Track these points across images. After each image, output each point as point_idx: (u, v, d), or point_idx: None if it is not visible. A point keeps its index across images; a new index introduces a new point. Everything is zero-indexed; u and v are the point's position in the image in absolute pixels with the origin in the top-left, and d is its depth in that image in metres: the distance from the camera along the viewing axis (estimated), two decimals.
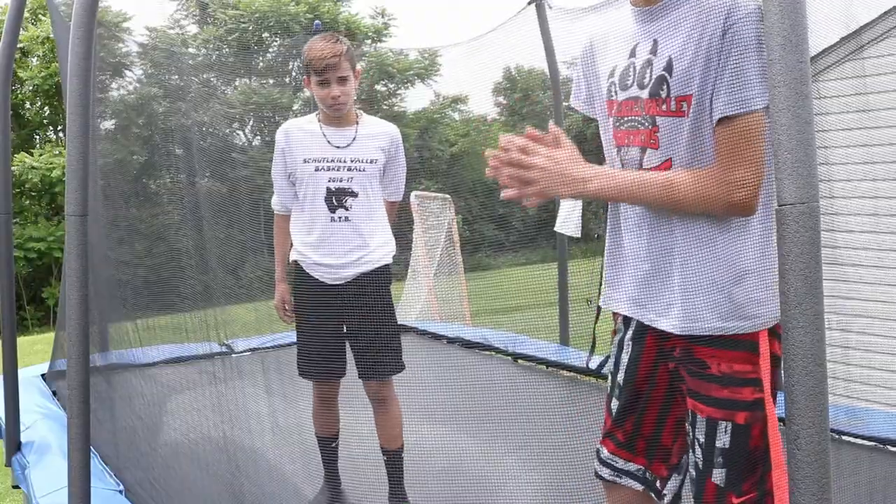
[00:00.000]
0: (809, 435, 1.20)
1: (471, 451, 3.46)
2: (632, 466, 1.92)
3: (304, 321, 2.96)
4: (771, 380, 1.68)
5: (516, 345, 5.31)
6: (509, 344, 5.33)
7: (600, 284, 2.28)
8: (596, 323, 2.33)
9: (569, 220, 4.52)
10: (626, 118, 1.79)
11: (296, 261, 2.97)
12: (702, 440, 1.71)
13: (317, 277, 2.91)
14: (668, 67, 1.69)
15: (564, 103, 5.68)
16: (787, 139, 1.21)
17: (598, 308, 2.28)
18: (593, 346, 2.36)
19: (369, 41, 18.83)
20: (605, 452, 1.96)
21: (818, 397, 1.20)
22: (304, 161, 2.89)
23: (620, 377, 1.94)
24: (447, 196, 10.12)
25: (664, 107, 1.70)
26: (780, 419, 3.70)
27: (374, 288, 2.95)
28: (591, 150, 2.11)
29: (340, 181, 2.87)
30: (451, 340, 5.71)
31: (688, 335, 1.72)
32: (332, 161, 2.88)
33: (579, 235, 4.45)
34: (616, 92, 1.82)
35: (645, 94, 1.74)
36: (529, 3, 5.31)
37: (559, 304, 5.51)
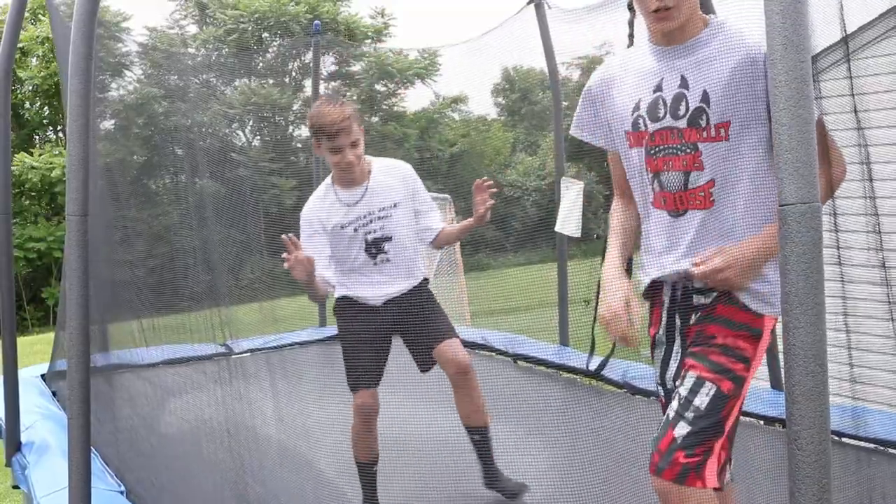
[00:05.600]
0: (810, 435, 1.20)
1: (471, 451, 3.46)
2: None
3: (352, 338, 3.17)
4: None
5: (516, 345, 5.30)
6: (509, 345, 5.32)
7: (599, 289, 2.31)
8: (595, 324, 2.34)
9: (569, 220, 4.53)
10: (660, 146, 1.96)
11: (347, 296, 3.21)
12: (683, 394, 1.87)
13: (362, 302, 3.18)
14: (705, 99, 1.89)
15: (564, 102, 5.68)
16: (787, 139, 1.22)
17: (597, 309, 2.31)
18: (592, 348, 2.38)
19: (369, 41, 18.81)
20: None
21: (818, 397, 1.20)
22: (342, 227, 3.12)
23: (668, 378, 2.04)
24: (447, 196, 10.11)
25: (705, 133, 1.90)
26: (778, 419, 3.68)
27: (417, 294, 3.23)
28: (593, 150, 2.17)
29: (375, 232, 3.14)
30: None
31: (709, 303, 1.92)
32: (365, 217, 3.13)
33: (579, 235, 4.47)
34: (646, 123, 1.98)
35: (682, 123, 1.92)
36: (529, 3, 5.31)
37: (559, 304, 5.51)
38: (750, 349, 1.88)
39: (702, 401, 1.83)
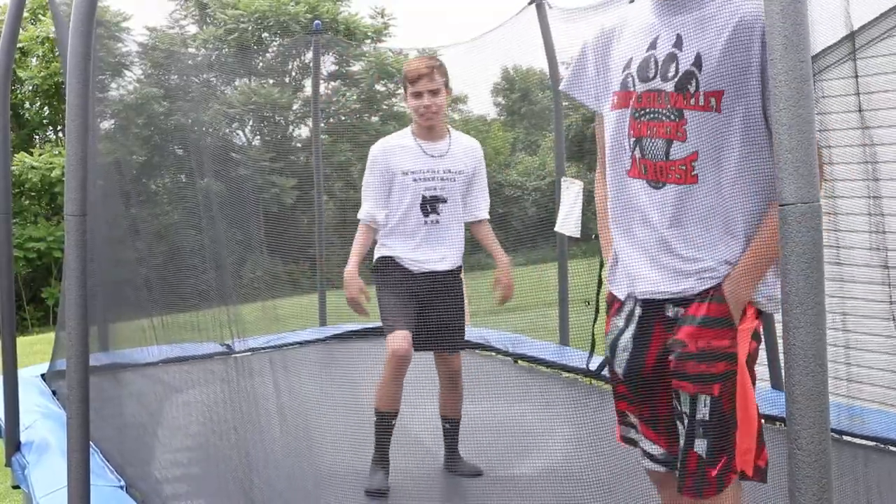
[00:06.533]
0: (810, 435, 1.20)
1: (472, 451, 3.46)
2: (656, 450, 1.96)
3: (392, 296, 3.28)
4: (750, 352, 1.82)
5: (516, 345, 5.29)
6: (509, 344, 5.32)
7: (598, 286, 2.29)
8: (595, 324, 2.33)
9: (568, 219, 4.53)
10: (647, 109, 1.81)
11: (389, 256, 3.33)
12: (688, 414, 1.81)
13: (406, 267, 3.29)
14: (698, 63, 1.73)
15: (564, 102, 5.68)
16: (787, 139, 1.21)
17: (597, 310, 2.30)
18: (593, 348, 2.38)
19: (369, 41, 18.80)
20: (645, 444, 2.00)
21: (818, 397, 1.20)
22: (404, 173, 3.25)
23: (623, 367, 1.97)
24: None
25: (692, 101, 1.73)
26: (778, 419, 3.67)
27: (452, 280, 3.36)
28: (593, 150, 2.13)
29: (434, 189, 3.27)
30: None
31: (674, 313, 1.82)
32: (429, 171, 3.27)
33: (579, 235, 4.47)
34: (634, 83, 1.84)
35: (670, 86, 1.76)
36: (530, 3, 5.30)
37: (559, 304, 5.50)
38: (727, 342, 1.77)
39: (703, 413, 1.78)
